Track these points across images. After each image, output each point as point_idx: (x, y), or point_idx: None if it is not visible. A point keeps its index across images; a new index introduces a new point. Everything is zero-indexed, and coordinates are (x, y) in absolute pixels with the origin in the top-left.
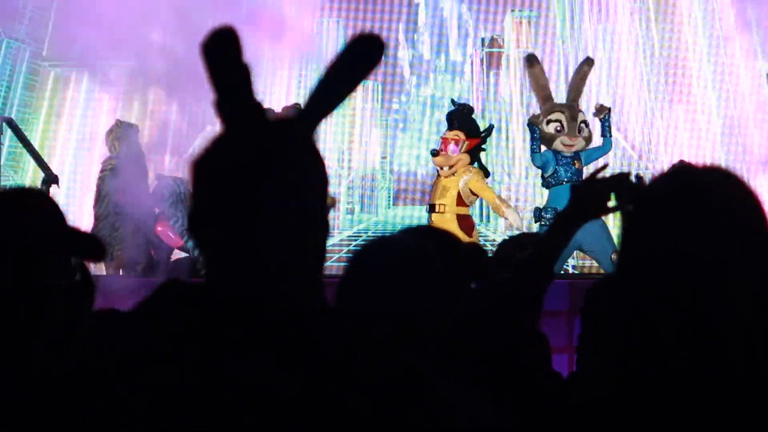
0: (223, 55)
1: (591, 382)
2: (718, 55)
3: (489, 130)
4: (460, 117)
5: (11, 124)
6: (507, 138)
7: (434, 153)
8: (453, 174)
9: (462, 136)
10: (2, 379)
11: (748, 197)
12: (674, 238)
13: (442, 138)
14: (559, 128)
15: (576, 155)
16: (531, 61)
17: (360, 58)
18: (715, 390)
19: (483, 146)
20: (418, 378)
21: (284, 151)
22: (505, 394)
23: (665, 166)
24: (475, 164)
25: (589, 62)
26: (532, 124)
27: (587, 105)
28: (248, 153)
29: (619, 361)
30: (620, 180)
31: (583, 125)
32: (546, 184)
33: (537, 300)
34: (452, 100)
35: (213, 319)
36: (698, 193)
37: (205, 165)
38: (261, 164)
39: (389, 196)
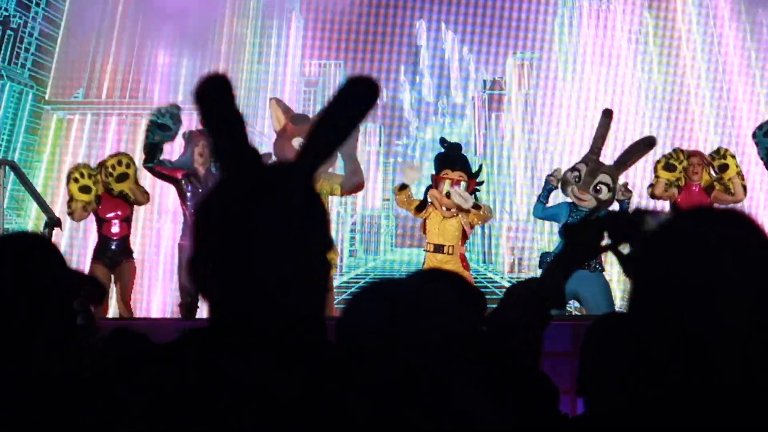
0: (216, 103)
1: (590, 402)
2: (720, 98)
3: (480, 170)
4: (461, 158)
5: (14, 167)
6: (509, 177)
7: (449, 195)
8: (455, 215)
9: (465, 176)
10: (2, 379)
11: (742, 220)
12: (665, 263)
13: (447, 178)
14: (576, 178)
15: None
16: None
17: (354, 101)
18: (709, 403)
19: (478, 187)
20: (417, 378)
21: (283, 183)
22: (505, 394)
23: (667, 209)
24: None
25: (607, 114)
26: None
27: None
28: (249, 182)
29: (617, 381)
30: (612, 220)
31: (602, 186)
32: (559, 233)
33: (536, 341)
34: (443, 140)
35: (212, 328)
36: (689, 220)
37: (208, 203)
38: (261, 190)
39: (392, 239)
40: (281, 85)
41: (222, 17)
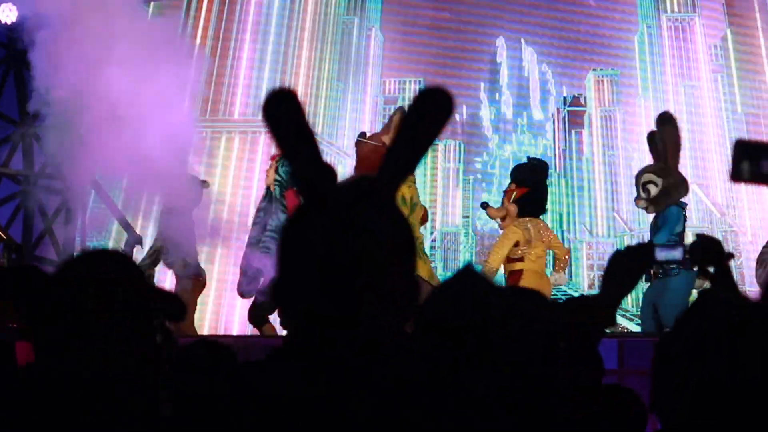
0: (284, 119)
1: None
2: None
3: (539, 172)
4: (518, 169)
5: (96, 185)
6: (589, 196)
7: (484, 206)
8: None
9: (513, 186)
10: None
11: None
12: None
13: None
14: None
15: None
16: (669, 119)
17: (429, 113)
18: None
19: (536, 194)
20: (434, 384)
21: (371, 218)
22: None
23: (748, 224)
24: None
25: (666, 120)
26: None
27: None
28: (333, 209)
29: (684, 397)
30: (696, 243)
31: (648, 185)
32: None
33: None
34: (528, 158)
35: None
36: None
37: (293, 237)
38: (347, 215)
39: (472, 255)
40: (361, 102)
41: (302, 34)
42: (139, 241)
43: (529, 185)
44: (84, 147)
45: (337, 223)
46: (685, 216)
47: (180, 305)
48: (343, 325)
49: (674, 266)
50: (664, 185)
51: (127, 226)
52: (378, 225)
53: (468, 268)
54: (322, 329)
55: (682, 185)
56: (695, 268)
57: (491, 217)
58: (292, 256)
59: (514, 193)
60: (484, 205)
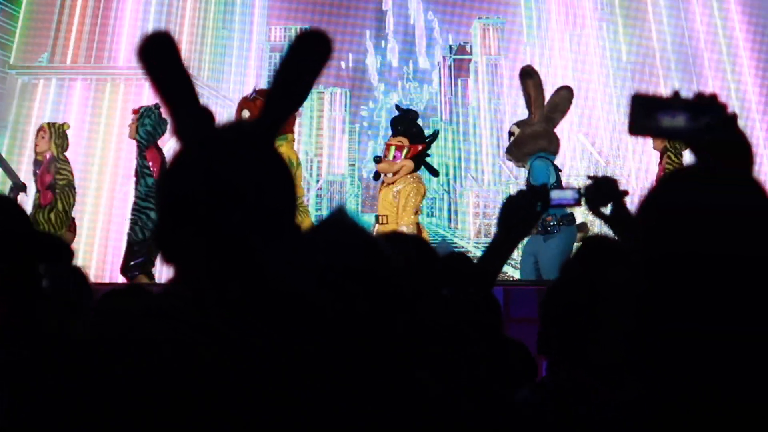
0: (161, 62)
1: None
2: (686, 63)
3: (434, 135)
4: (404, 122)
5: None
6: (475, 144)
7: (377, 160)
8: (394, 182)
9: (405, 141)
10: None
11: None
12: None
13: (386, 144)
14: None
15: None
16: (529, 73)
17: (305, 57)
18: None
19: (428, 152)
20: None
21: (245, 162)
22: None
23: (633, 172)
24: (421, 170)
25: (526, 73)
26: None
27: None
28: (211, 170)
29: (574, 341)
30: (591, 185)
31: (511, 136)
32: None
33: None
34: (397, 106)
35: (183, 295)
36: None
37: (171, 183)
38: (226, 156)
39: (358, 203)
40: (246, 50)
41: None
42: (23, 188)
43: (424, 142)
44: None
45: (217, 165)
46: (556, 167)
47: (66, 250)
48: (233, 292)
49: (554, 224)
50: (519, 135)
51: (9, 172)
52: (261, 166)
53: (341, 212)
54: (211, 294)
55: (542, 137)
56: (587, 215)
57: (382, 171)
58: (170, 208)
59: (409, 149)
60: (378, 159)
